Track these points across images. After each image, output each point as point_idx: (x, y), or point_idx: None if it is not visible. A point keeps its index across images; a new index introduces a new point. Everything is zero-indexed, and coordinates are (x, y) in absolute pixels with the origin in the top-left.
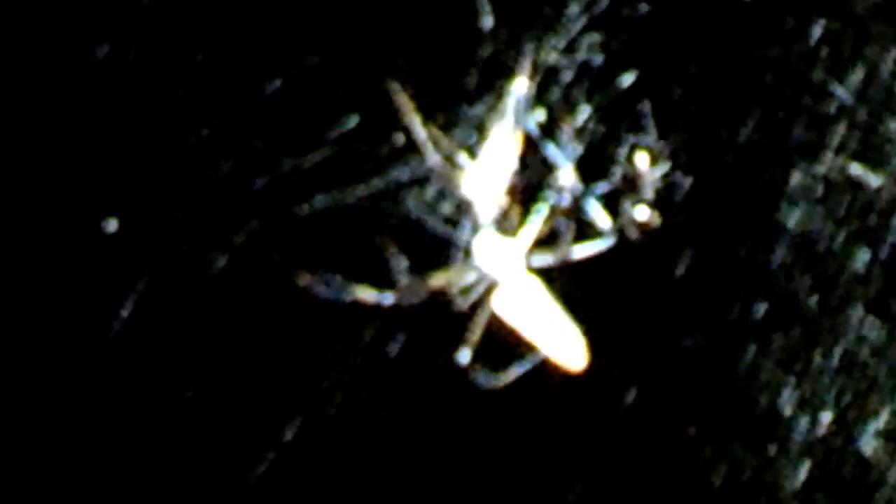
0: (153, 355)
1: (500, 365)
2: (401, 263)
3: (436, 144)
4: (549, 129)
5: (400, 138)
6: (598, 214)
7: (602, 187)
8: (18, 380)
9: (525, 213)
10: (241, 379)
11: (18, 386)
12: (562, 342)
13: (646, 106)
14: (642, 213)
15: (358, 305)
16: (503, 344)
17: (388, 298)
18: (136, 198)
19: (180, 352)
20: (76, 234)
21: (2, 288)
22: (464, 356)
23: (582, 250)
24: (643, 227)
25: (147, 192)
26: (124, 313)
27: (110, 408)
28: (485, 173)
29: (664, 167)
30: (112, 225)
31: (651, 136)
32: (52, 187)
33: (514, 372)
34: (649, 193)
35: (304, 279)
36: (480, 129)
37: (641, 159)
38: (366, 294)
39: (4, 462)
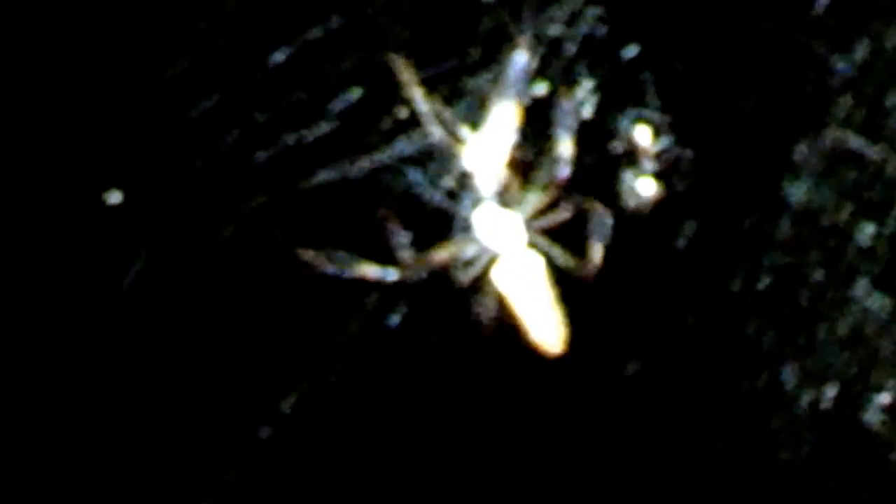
0: (155, 327)
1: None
2: (402, 238)
3: (437, 118)
4: (551, 102)
5: (401, 112)
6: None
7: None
8: (21, 356)
9: (526, 186)
10: (242, 351)
11: (22, 362)
12: (544, 324)
13: (647, 78)
14: (643, 186)
15: (361, 281)
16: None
17: (392, 274)
18: (139, 170)
19: (182, 324)
20: (78, 207)
21: (4, 263)
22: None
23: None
24: (644, 201)
25: (149, 165)
26: (127, 284)
27: (114, 378)
28: (486, 146)
29: (665, 140)
30: (115, 197)
31: (652, 109)
32: (53, 159)
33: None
34: (650, 166)
35: (307, 255)
36: (482, 102)
37: (642, 132)
38: (369, 270)
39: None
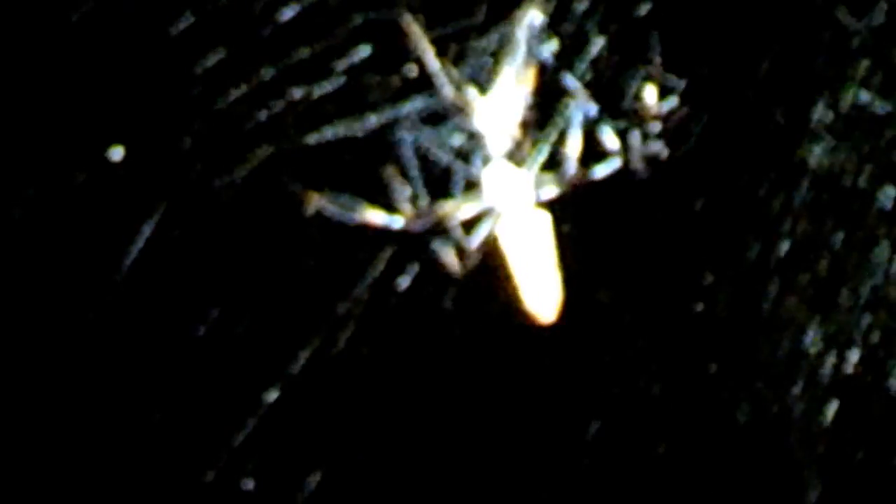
0: (162, 285)
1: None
2: (405, 192)
3: (447, 76)
4: (563, 59)
5: (412, 70)
6: (608, 139)
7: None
8: (25, 313)
9: (536, 144)
10: (249, 309)
11: (26, 318)
12: (541, 289)
13: (654, 38)
14: (651, 146)
15: (368, 233)
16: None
17: (398, 222)
18: (143, 126)
19: (188, 282)
20: (80, 163)
21: (6, 220)
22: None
23: (591, 174)
24: (651, 161)
25: (153, 120)
26: (134, 242)
27: (119, 340)
28: (496, 105)
29: (672, 101)
30: (117, 153)
31: (659, 69)
32: (55, 115)
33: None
34: (657, 127)
35: (313, 198)
36: (492, 60)
37: (650, 93)
38: (375, 216)
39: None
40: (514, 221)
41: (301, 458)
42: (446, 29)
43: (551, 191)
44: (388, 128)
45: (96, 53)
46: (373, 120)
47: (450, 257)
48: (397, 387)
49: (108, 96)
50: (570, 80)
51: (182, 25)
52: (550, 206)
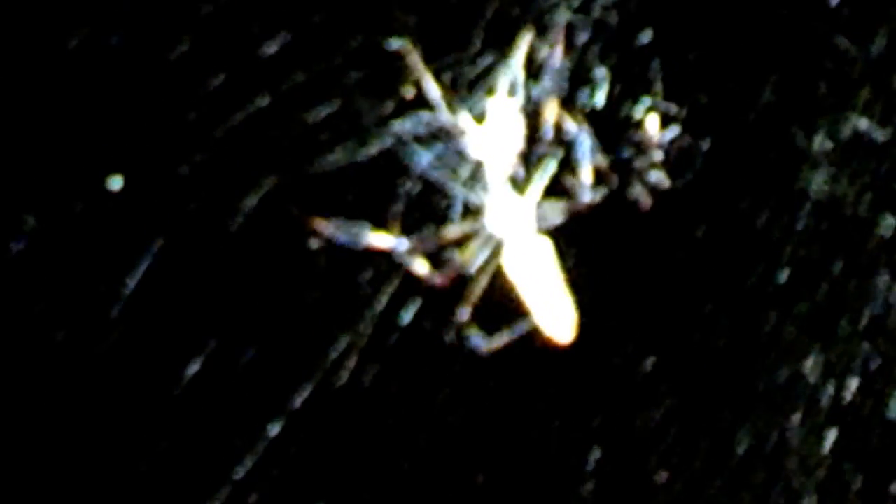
0: (161, 316)
1: (496, 328)
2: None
3: (446, 102)
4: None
5: (408, 96)
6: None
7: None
8: (23, 346)
9: (535, 171)
10: (251, 342)
11: (23, 353)
12: (554, 312)
13: (656, 66)
14: (653, 176)
15: (373, 258)
16: (502, 306)
17: (403, 244)
18: (140, 155)
19: (188, 314)
20: (78, 192)
21: (4, 249)
22: (462, 314)
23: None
24: (653, 191)
25: (151, 148)
26: (133, 274)
27: (118, 372)
28: (493, 132)
29: (675, 130)
30: (116, 183)
31: (661, 98)
32: (53, 141)
33: (505, 337)
34: (659, 156)
35: (318, 224)
36: (490, 87)
37: (652, 122)
38: (381, 241)
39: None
40: (517, 249)
41: (302, 493)
42: (444, 57)
43: (554, 218)
44: (391, 152)
45: (92, 81)
46: (374, 146)
47: (421, 267)
48: (400, 421)
49: (105, 125)
50: (579, 154)
51: (179, 52)
52: (554, 233)
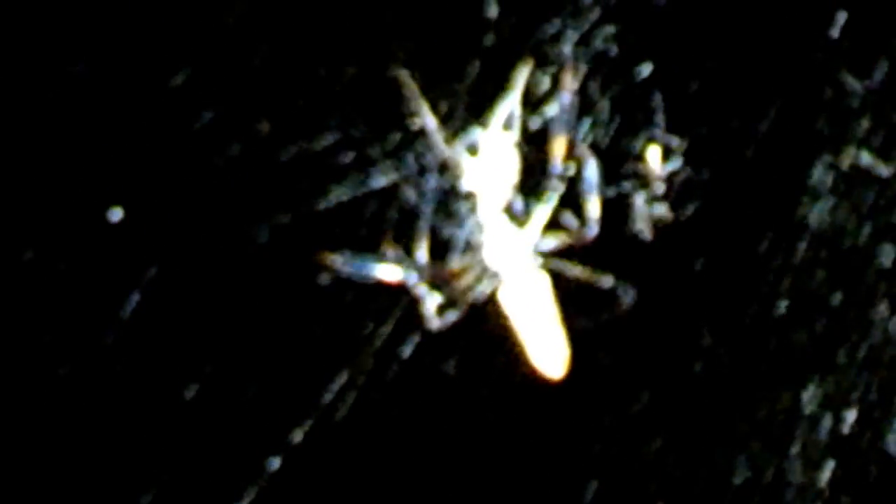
0: (162, 349)
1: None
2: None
3: (443, 135)
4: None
5: (408, 127)
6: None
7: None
8: (23, 375)
9: (535, 205)
10: (251, 376)
11: (23, 382)
12: (547, 347)
13: (657, 99)
14: (655, 209)
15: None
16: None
17: (413, 278)
18: (140, 187)
19: (186, 348)
20: (78, 225)
21: (5, 281)
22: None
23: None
24: (656, 224)
25: (150, 182)
26: (130, 308)
27: (117, 404)
28: (489, 163)
29: (676, 162)
30: (116, 214)
31: (663, 131)
32: (53, 174)
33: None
34: (661, 189)
35: (327, 258)
36: (486, 119)
37: (653, 154)
38: (389, 273)
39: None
40: (514, 282)
41: None
42: (440, 88)
43: (551, 250)
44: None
45: (91, 113)
46: (382, 180)
47: (429, 309)
48: (400, 455)
49: (104, 157)
50: (585, 188)
51: (177, 82)
52: (552, 267)
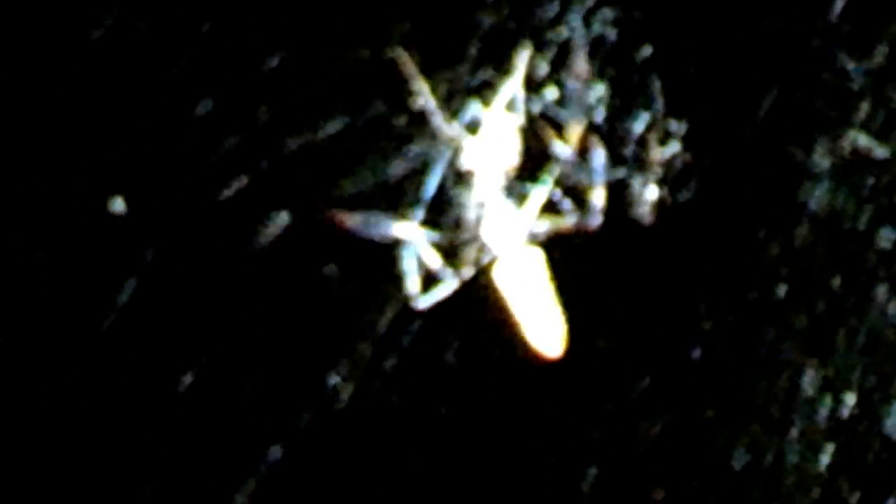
0: (162, 339)
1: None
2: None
3: (441, 116)
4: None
5: (409, 107)
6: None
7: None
8: (22, 372)
9: (531, 185)
10: (252, 367)
11: (23, 379)
12: (543, 325)
13: (656, 83)
14: (653, 192)
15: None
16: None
17: (423, 235)
18: (143, 177)
19: (186, 336)
20: (80, 215)
21: (5, 272)
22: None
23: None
24: (654, 207)
25: (152, 172)
26: (129, 297)
27: (117, 396)
28: (489, 143)
29: (675, 146)
30: (119, 205)
31: (661, 115)
32: (55, 163)
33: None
34: (659, 172)
35: (338, 216)
36: (486, 99)
37: (652, 138)
38: (401, 230)
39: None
40: (509, 260)
41: None
42: (440, 69)
43: (546, 232)
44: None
45: (95, 104)
46: (399, 166)
47: (412, 288)
48: (400, 442)
49: (107, 147)
50: (592, 177)
51: (175, 72)
52: (550, 248)
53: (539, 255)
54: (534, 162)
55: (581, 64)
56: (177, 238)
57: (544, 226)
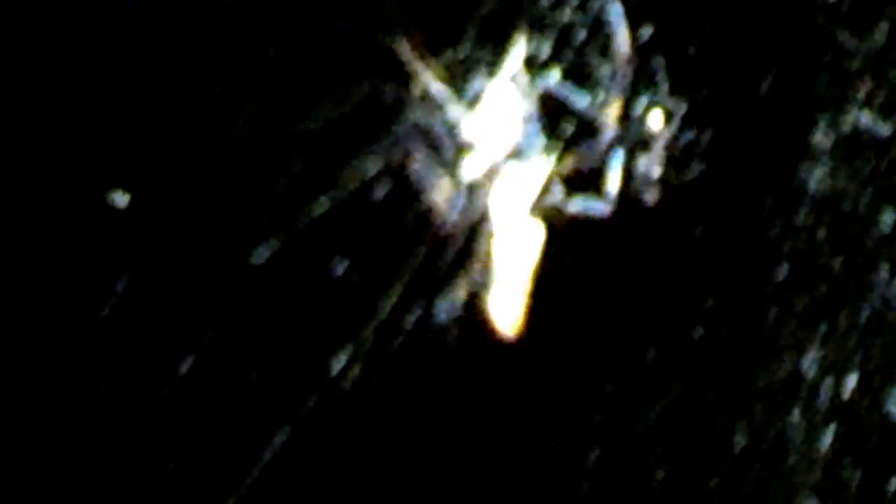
0: (166, 325)
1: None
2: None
3: (440, 90)
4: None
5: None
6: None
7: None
8: (22, 362)
9: (536, 158)
10: (254, 352)
11: (22, 368)
12: (508, 301)
13: (659, 62)
14: (655, 172)
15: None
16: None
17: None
18: (145, 171)
19: (190, 320)
20: (82, 208)
21: (5, 265)
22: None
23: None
24: (656, 187)
25: (155, 165)
26: (132, 280)
27: (123, 379)
28: (486, 121)
29: (677, 126)
30: (121, 199)
31: (664, 94)
32: (57, 157)
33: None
34: (662, 152)
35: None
36: (486, 75)
37: (654, 117)
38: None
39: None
40: (508, 232)
41: (310, 499)
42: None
43: (553, 209)
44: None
45: (95, 92)
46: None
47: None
48: (404, 426)
49: (112, 140)
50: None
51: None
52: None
53: (539, 231)
54: (547, 138)
55: (620, 43)
56: (181, 223)
57: (552, 203)
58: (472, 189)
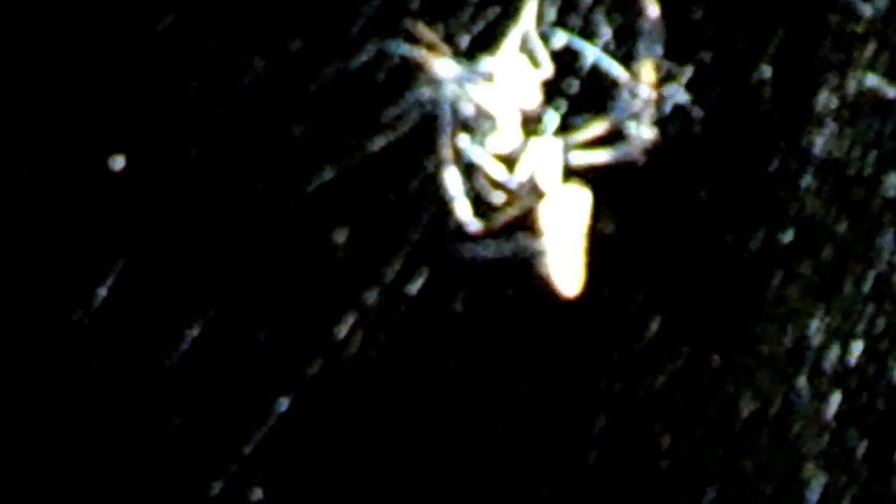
0: (170, 293)
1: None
2: None
3: (455, 61)
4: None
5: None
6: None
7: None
8: (22, 326)
9: (564, 120)
10: (259, 317)
11: (23, 332)
12: (567, 263)
13: (656, 25)
14: (647, 133)
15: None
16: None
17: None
18: (144, 134)
19: (194, 287)
20: (80, 171)
21: (5, 226)
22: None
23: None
24: (648, 148)
25: (154, 128)
26: (136, 247)
27: (127, 345)
28: (510, 86)
29: (680, 90)
30: (119, 162)
31: (660, 56)
32: (56, 120)
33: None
34: (653, 114)
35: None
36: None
37: (646, 69)
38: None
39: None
40: (550, 197)
41: (312, 468)
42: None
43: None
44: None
45: (97, 61)
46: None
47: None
48: (409, 393)
49: (109, 104)
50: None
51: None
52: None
53: (583, 194)
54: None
55: (649, 4)
56: (187, 186)
57: (584, 159)
58: (509, 161)
